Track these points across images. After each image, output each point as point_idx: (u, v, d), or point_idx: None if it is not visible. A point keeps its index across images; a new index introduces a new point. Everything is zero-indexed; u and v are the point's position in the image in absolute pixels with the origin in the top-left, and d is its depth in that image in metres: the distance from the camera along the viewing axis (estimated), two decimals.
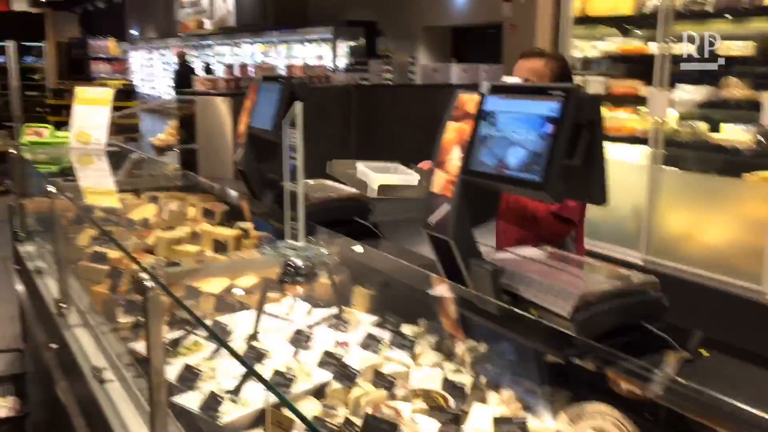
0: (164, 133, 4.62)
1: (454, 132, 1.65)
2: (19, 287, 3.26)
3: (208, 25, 19.60)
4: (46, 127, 3.23)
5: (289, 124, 1.41)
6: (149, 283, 1.34)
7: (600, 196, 1.46)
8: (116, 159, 3.63)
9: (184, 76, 14.89)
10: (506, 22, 10.64)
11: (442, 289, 1.94)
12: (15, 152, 3.32)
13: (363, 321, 2.30)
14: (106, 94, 2.99)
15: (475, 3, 11.59)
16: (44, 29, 12.06)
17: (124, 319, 2.37)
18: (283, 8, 16.25)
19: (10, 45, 11.89)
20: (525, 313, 1.58)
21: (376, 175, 2.28)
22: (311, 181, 2.96)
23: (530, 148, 1.42)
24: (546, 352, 1.64)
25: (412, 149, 7.63)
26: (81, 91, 2.98)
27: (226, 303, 2.37)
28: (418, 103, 7.19)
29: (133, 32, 26.07)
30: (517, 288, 1.63)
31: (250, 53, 17.61)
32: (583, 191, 1.47)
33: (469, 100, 1.66)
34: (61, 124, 3.84)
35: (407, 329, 2.00)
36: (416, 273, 2.33)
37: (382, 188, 2.20)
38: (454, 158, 1.63)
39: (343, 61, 13.39)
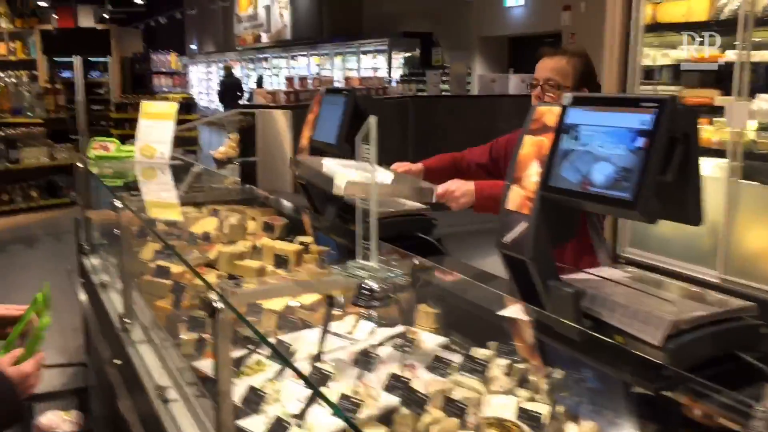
0: (225, 146, 4.67)
1: (531, 146, 1.56)
2: (83, 300, 3.29)
3: (264, 38, 19.92)
4: (113, 142, 3.27)
5: (362, 139, 1.35)
6: (218, 304, 1.29)
7: (695, 216, 1.35)
8: (178, 172, 3.65)
9: (229, 88, 15.23)
10: (565, 30, 10.45)
11: (515, 310, 1.84)
12: (81, 166, 3.37)
13: (429, 342, 2.22)
14: (171, 108, 3.00)
15: (532, 12, 11.43)
16: (109, 45, 12.45)
17: (187, 336, 2.35)
18: (339, 21, 16.40)
19: (77, 60, 12.31)
20: (609, 340, 1.47)
21: (344, 171, 2.05)
22: None
23: (619, 164, 1.32)
24: (632, 382, 1.52)
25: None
26: (146, 105, 3.00)
27: (287, 320, 2.32)
28: (476, 114, 7.08)
29: (192, 46, 26.71)
30: (600, 312, 1.53)
31: (305, 65, 17.80)
32: (677, 210, 1.36)
33: (547, 112, 1.56)
34: (124, 138, 3.91)
35: (477, 352, 1.90)
36: (485, 292, 2.24)
37: (350, 186, 1.95)
38: (532, 174, 1.54)
39: (398, 73, 13.38)
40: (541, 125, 1.56)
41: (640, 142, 1.29)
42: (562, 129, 1.46)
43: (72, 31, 12.57)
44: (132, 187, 3.27)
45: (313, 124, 2.67)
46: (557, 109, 1.52)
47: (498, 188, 2.23)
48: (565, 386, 1.66)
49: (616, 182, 1.32)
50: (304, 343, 2.19)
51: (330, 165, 2.17)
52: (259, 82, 18.00)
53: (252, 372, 2.01)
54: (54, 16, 12.68)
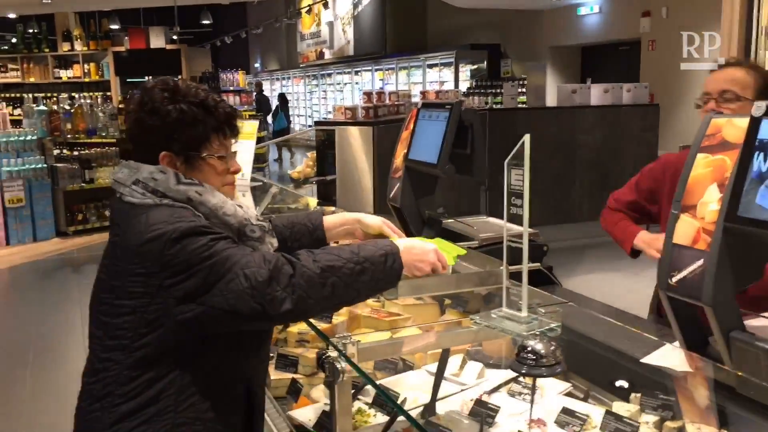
0: (302, 164, 4.50)
1: (707, 167, 1.29)
2: None
3: (328, 54, 20.00)
4: None
5: (512, 163, 1.11)
6: (342, 364, 1.06)
7: None
8: (257, 193, 3.50)
9: (259, 104, 15.46)
10: (645, 38, 9.98)
11: (663, 357, 1.56)
12: None
13: (549, 388, 1.95)
14: (251, 127, 2.82)
15: (608, 19, 10.99)
16: (180, 64, 12.60)
17: (276, 376, 2.15)
18: (403, 36, 16.27)
19: (148, 81, 12.49)
20: None
21: None
22: (472, 218, 2.66)
23: None
24: None
25: (550, 175, 7.13)
26: None
27: (388, 361, 2.10)
28: (557, 126, 6.76)
29: (256, 65, 27.10)
30: None
31: (369, 80, 17.72)
32: None
33: (727, 125, 1.28)
34: None
35: (622, 408, 1.62)
36: (613, 331, 1.96)
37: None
38: (711, 201, 1.26)
39: (464, 85, 13.11)
40: (720, 141, 1.28)
41: None
42: (754, 146, 1.18)
43: (143, 52, 12.78)
44: None
45: (408, 141, 2.44)
46: (742, 122, 1.24)
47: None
48: None
49: None
50: (408, 389, 1.96)
51: None
52: (282, 99, 17.62)
53: (355, 424, 1.78)
54: (126, 38, 12.93)
